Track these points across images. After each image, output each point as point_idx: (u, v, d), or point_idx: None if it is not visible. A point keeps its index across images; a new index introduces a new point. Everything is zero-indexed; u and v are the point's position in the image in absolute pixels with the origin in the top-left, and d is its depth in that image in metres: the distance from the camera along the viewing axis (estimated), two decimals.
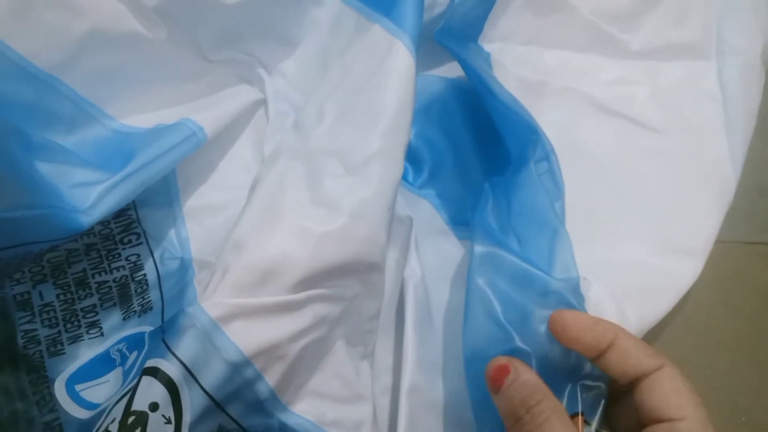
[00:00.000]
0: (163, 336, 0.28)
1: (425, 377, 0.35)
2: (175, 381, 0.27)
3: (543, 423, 0.25)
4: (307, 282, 0.30)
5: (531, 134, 0.37)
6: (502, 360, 0.28)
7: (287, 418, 0.30)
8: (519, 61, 0.44)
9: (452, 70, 0.44)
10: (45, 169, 0.31)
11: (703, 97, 0.43)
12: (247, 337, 0.28)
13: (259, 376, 0.29)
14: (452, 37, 0.41)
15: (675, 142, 0.42)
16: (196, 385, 0.27)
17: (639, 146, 0.42)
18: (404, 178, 0.40)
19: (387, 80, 0.33)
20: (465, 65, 0.40)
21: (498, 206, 0.36)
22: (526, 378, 0.27)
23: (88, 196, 0.31)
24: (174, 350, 0.27)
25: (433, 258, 0.39)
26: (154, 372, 0.27)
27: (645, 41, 0.44)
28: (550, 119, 0.42)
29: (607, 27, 0.43)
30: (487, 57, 0.43)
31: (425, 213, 0.41)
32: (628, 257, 0.39)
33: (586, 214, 0.40)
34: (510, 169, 0.37)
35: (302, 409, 0.31)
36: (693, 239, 0.40)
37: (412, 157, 0.41)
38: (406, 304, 0.36)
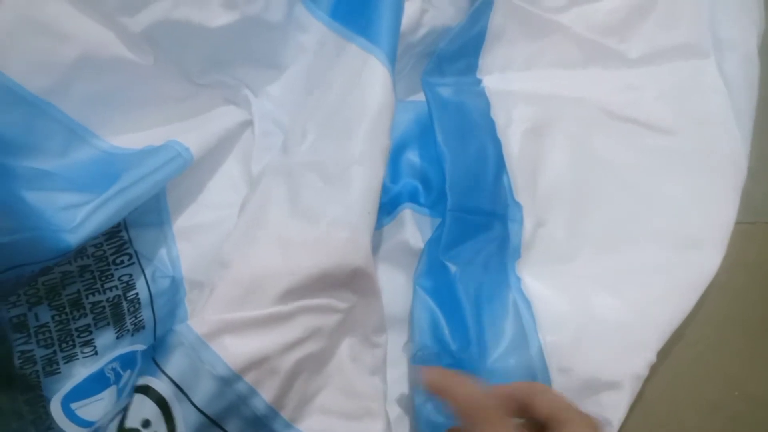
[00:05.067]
0: (154, 355, 0.28)
1: None
2: (166, 398, 0.27)
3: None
4: (293, 292, 0.31)
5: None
6: None
7: None
8: (523, 84, 0.44)
9: None
10: (31, 196, 0.32)
11: (708, 93, 0.43)
12: (234, 351, 0.29)
13: (252, 391, 0.29)
14: (443, 73, 0.42)
15: (688, 139, 0.43)
16: (188, 401, 0.28)
17: (653, 148, 0.43)
18: (416, 200, 0.40)
19: (362, 92, 0.35)
20: (430, 109, 0.41)
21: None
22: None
23: (75, 216, 0.32)
24: (163, 368, 0.28)
25: None
26: (146, 390, 0.27)
27: (642, 49, 0.44)
28: (563, 131, 0.42)
29: (603, 40, 0.44)
30: (482, 91, 0.43)
31: None
32: (652, 261, 0.39)
33: (607, 223, 0.40)
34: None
35: (308, 426, 0.31)
36: (714, 230, 0.40)
37: (420, 177, 0.41)
38: None
